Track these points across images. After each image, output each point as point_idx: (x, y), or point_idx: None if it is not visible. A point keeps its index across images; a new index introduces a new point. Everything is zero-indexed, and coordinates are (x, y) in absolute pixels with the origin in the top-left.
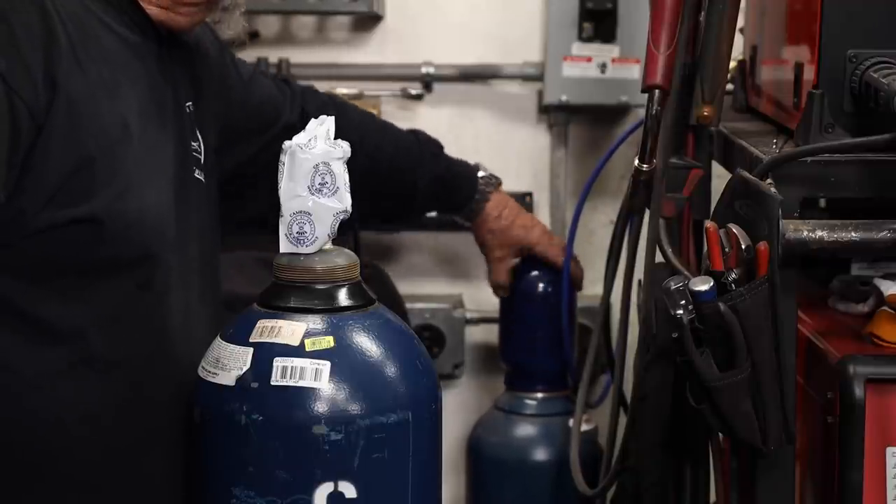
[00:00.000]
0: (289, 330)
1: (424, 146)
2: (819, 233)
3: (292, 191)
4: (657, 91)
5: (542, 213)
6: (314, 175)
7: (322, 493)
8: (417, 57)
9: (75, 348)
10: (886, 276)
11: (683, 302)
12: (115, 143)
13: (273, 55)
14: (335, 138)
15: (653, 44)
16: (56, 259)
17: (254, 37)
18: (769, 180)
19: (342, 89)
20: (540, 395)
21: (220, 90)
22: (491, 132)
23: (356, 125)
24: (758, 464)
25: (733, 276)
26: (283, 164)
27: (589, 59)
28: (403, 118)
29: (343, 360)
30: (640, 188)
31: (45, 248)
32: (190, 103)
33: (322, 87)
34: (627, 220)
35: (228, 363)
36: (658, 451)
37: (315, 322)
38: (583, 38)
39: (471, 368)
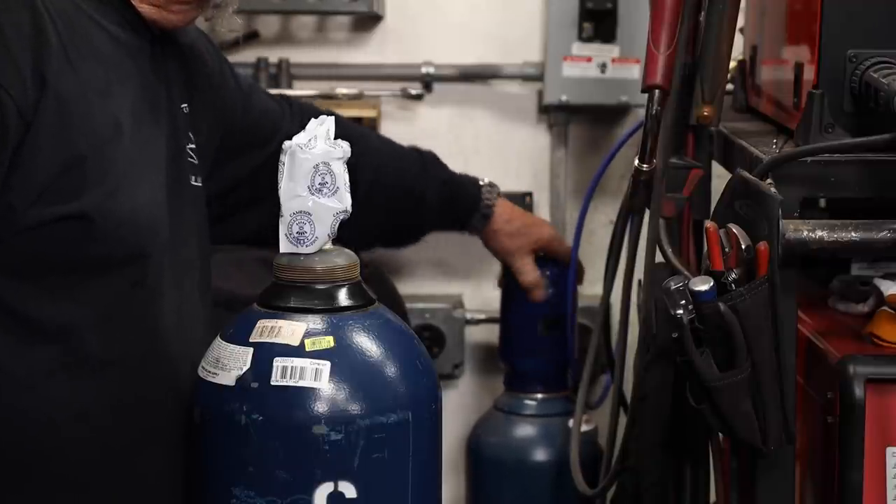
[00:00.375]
0: (289, 330)
1: (426, 159)
2: (819, 233)
3: (292, 191)
4: (657, 91)
5: (542, 213)
6: (314, 175)
7: (322, 493)
8: (417, 57)
9: (66, 347)
10: (886, 276)
11: (683, 302)
12: (106, 141)
13: (273, 55)
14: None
15: (653, 44)
16: (46, 257)
17: (254, 37)
18: (769, 180)
19: (342, 89)
20: (540, 395)
21: (218, 99)
22: (491, 132)
23: (358, 141)
24: (758, 464)
25: (733, 276)
26: (283, 164)
27: (589, 59)
28: (403, 118)
29: (343, 360)
30: (640, 188)
31: (35, 246)
32: (185, 105)
33: (322, 87)
34: (627, 220)
35: (228, 363)
36: (658, 451)
37: (315, 322)
38: (583, 38)
39: (471, 368)
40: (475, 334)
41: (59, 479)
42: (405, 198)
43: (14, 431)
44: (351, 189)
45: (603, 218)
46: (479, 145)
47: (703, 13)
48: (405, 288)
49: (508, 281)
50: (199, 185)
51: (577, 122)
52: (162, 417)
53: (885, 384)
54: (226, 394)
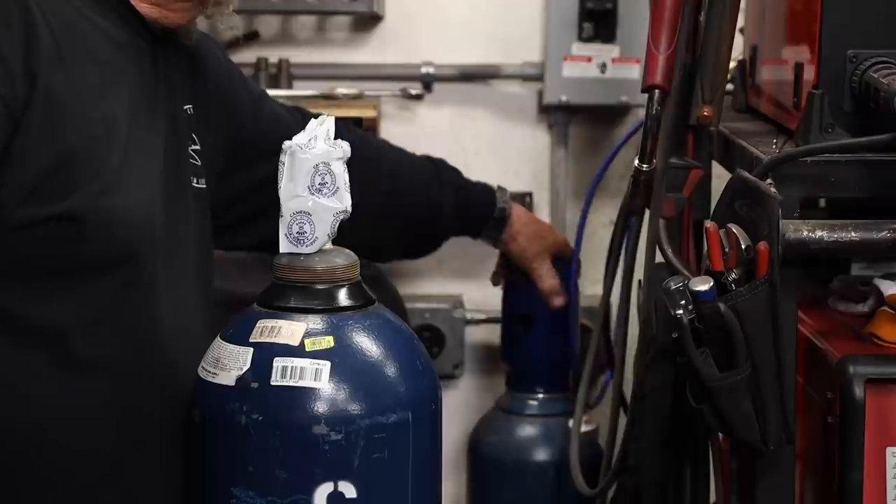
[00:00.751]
0: (289, 330)
1: (440, 167)
2: (819, 233)
3: (292, 191)
4: (657, 91)
5: (542, 213)
6: (314, 175)
7: (322, 493)
8: (417, 57)
9: (56, 349)
10: (886, 276)
11: (683, 302)
12: (98, 140)
13: (273, 55)
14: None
15: (653, 44)
16: (37, 257)
17: (254, 37)
18: (769, 180)
19: (342, 89)
20: (541, 395)
21: (225, 104)
22: (491, 132)
23: (374, 152)
24: (758, 464)
25: (733, 276)
26: (283, 164)
27: (589, 59)
28: (403, 118)
29: (343, 360)
30: (640, 188)
31: (26, 246)
32: (189, 107)
33: (322, 87)
34: (627, 220)
35: (228, 363)
36: (658, 451)
37: (315, 322)
38: (583, 38)
39: (471, 368)
40: (475, 334)
41: (47, 482)
42: (422, 207)
43: (1, 434)
44: (368, 201)
45: (603, 218)
46: (479, 145)
47: (703, 13)
48: (405, 288)
49: (509, 280)
50: (202, 186)
51: (577, 122)
52: (154, 421)
53: (885, 384)
54: (226, 394)
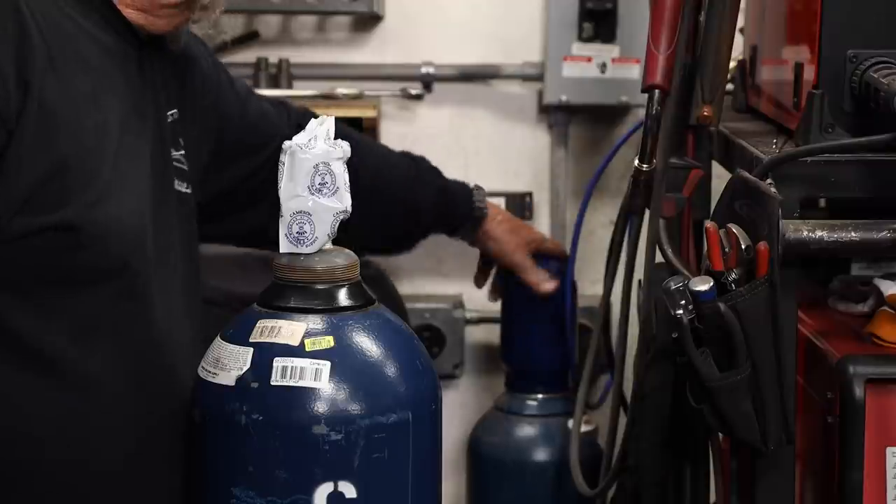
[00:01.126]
0: (289, 330)
1: (420, 166)
2: (819, 233)
3: (292, 191)
4: (657, 91)
5: (542, 213)
6: (314, 175)
7: (322, 493)
8: (417, 57)
9: (50, 361)
10: (886, 276)
11: (683, 302)
12: (91, 149)
13: (273, 55)
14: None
15: (653, 44)
16: (31, 268)
17: (254, 37)
18: (769, 180)
19: (342, 89)
20: (540, 395)
21: (212, 105)
22: (491, 132)
23: (358, 148)
24: (758, 464)
25: (733, 276)
26: (283, 164)
27: (589, 59)
28: (403, 118)
29: (343, 360)
30: (640, 188)
31: (20, 257)
32: (174, 111)
33: (322, 87)
34: (627, 220)
35: (228, 363)
36: (658, 451)
37: (315, 322)
38: (583, 38)
39: (471, 368)
40: (475, 334)
41: (45, 495)
42: (400, 205)
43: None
44: (355, 179)
45: (603, 218)
46: (479, 145)
47: (703, 13)
48: (405, 288)
49: (507, 281)
50: (188, 191)
51: (577, 122)
52: (152, 430)
53: (885, 384)
54: (226, 394)
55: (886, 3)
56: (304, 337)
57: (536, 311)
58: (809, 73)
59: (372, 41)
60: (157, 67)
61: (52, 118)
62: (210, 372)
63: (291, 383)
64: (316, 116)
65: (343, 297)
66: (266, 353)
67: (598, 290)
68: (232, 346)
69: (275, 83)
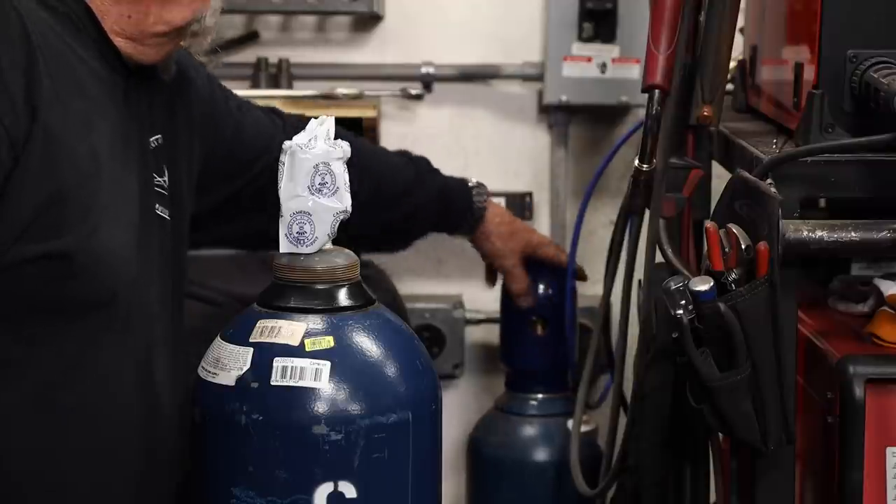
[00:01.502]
0: (289, 330)
1: (418, 165)
2: (819, 233)
3: (292, 191)
4: (657, 91)
5: (542, 213)
6: (314, 175)
7: (322, 493)
8: (417, 57)
9: (35, 391)
10: (886, 276)
11: (683, 302)
12: (87, 177)
13: (273, 55)
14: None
15: (653, 44)
16: (22, 297)
17: (254, 37)
18: (769, 180)
19: (342, 89)
20: (540, 395)
21: (207, 122)
22: (491, 132)
23: (361, 153)
24: (758, 464)
25: (733, 276)
26: (283, 164)
27: (589, 59)
28: (403, 118)
29: (343, 360)
30: (640, 188)
31: (12, 285)
32: (158, 136)
33: (322, 87)
34: (627, 220)
35: (228, 363)
36: (658, 451)
37: (315, 322)
38: (583, 38)
39: (471, 368)
40: (475, 334)
41: None
42: (400, 207)
43: None
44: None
45: (603, 218)
46: (479, 145)
47: (703, 13)
48: (405, 288)
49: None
50: (166, 216)
51: (577, 122)
52: (134, 455)
53: (885, 384)
54: (226, 394)
55: (886, 3)
56: (304, 337)
57: (536, 312)
58: (809, 73)
59: (372, 41)
60: (143, 95)
61: (54, 146)
62: (210, 372)
63: (291, 383)
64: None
65: (343, 297)
66: (266, 353)
67: (598, 290)
68: (232, 346)
69: (275, 83)
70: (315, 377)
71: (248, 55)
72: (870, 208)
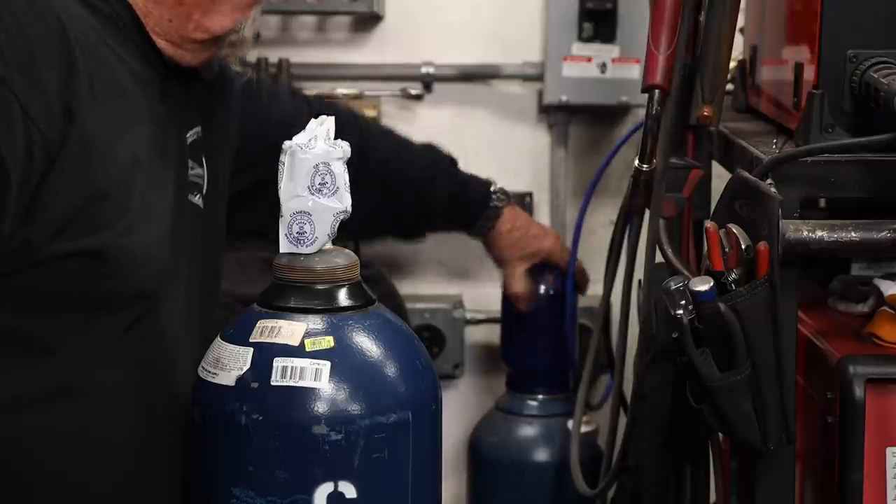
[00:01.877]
0: (289, 330)
1: (441, 161)
2: (819, 233)
3: (292, 191)
4: (657, 91)
5: (542, 213)
6: (314, 175)
7: (322, 493)
8: (417, 57)
9: (64, 382)
10: (886, 276)
11: (683, 302)
12: (125, 178)
13: (273, 55)
14: (335, 138)
15: (653, 44)
16: (55, 291)
17: (254, 37)
18: (769, 180)
19: (342, 89)
20: (541, 396)
21: (242, 122)
22: (491, 132)
23: (377, 141)
24: (758, 464)
25: (733, 276)
26: (283, 164)
27: (589, 59)
28: (403, 118)
29: (343, 360)
30: (640, 188)
31: (45, 280)
32: (197, 129)
33: (322, 87)
34: (627, 220)
35: (228, 363)
36: (658, 451)
37: (315, 322)
38: (583, 38)
39: (471, 368)
40: (475, 334)
41: None
42: (412, 193)
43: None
44: (365, 168)
45: (603, 218)
46: (479, 145)
47: (703, 13)
48: (405, 288)
49: None
50: (200, 204)
51: (577, 122)
52: (151, 449)
53: (885, 384)
54: (226, 394)
55: (886, 3)
56: (304, 337)
57: (539, 314)
58: (809, 73)
59: (372, 41)
60: (182, 91)
61: (91, 147)
62: (210, 372)
63: (291, 383)
64: (336, 105)
65: (343, 297)
66: (266, 353)
67: (598, 290)
68: (232, 346)
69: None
70: (315, 377)
71: (248, 55)
72: (870, 208)
